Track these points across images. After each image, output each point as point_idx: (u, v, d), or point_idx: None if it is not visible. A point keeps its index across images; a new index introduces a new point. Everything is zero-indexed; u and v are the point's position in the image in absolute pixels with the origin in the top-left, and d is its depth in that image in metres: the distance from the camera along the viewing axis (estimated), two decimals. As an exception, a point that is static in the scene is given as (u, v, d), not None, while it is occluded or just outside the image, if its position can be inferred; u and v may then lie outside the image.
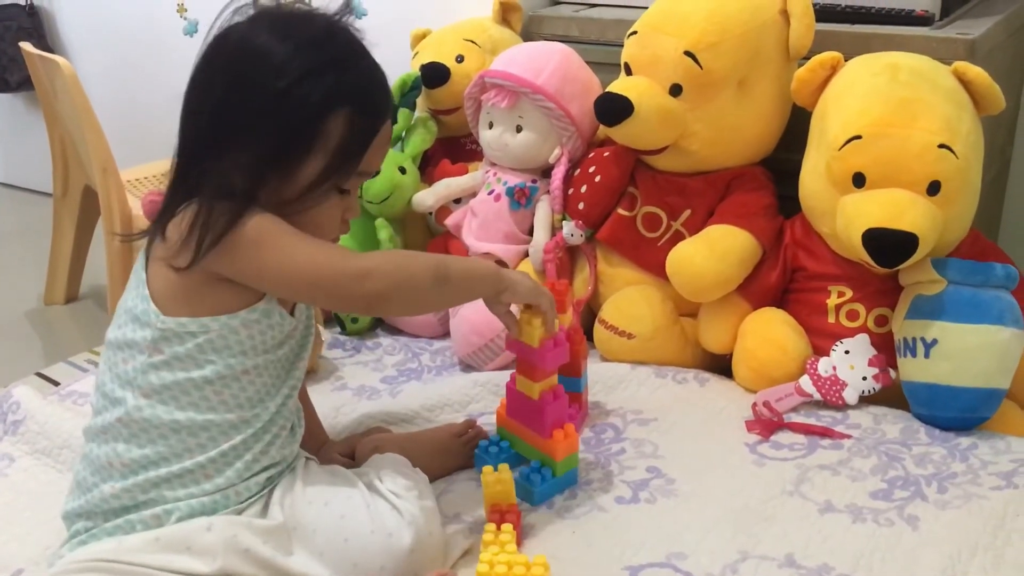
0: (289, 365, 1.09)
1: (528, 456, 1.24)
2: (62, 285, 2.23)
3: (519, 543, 1.11)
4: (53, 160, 2.12)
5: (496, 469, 1.16)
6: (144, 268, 1.03)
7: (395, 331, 1.66)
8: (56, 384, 1.53)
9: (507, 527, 1.08)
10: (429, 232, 1.77)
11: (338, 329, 1.66)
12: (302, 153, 1.00)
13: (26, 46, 1.91)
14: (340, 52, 1.02)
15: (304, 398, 1.19)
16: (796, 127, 1.53)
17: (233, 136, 0.99)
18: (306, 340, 1.12)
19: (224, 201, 0.98)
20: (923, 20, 1.57)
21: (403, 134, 1.72)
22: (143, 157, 2.10)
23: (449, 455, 1.26)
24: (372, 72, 1.04)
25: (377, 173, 1.16)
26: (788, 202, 1.52)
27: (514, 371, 1.24)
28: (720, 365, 1.51)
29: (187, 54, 1.06)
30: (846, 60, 1.43)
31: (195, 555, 0.98)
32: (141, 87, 2.48)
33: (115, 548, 0.98)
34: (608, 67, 1.62)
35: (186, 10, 2.23)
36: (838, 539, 1.11)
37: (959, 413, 1.29)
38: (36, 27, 2.60)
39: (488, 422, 1.32)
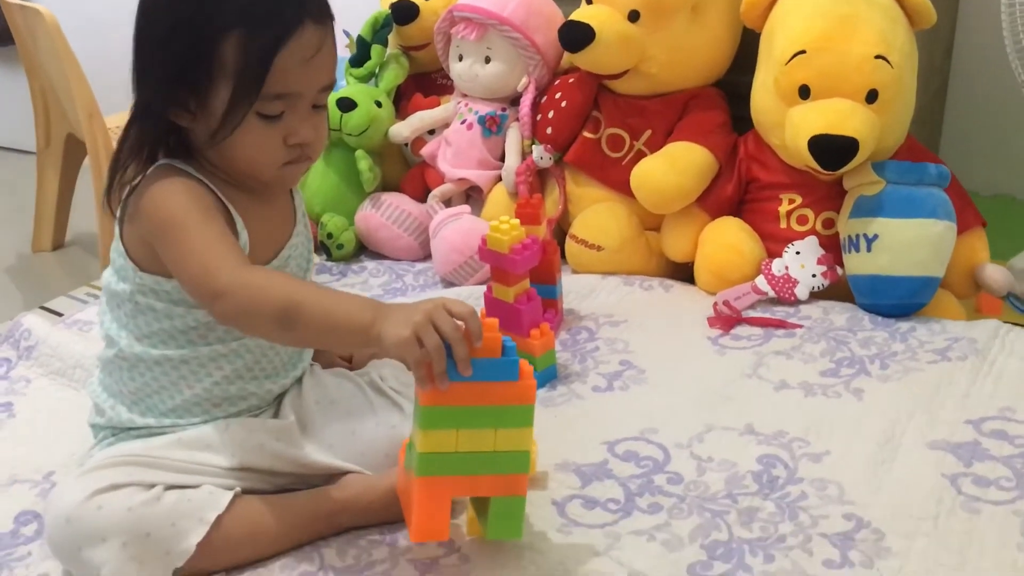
0: None
1: (510, 357, 1.35)
2: (49, 233, 2.30)
3: (507, 427, 1.23)
4: (35, 111, 2.18)
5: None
6: (119, 221, 1.05)
7: (379, 256, 1.76)
8: (60, 315, 1.61)
9: (495, 413, 1.19)
10: (406, 163, 1.87)
11: (324, 256, 1.76)
12: (206, 81, 0.96)
13: (5, -2, 1.97)
14: None
15: None
16: (745, 51, 1.64)
17: (149, 67, 0.99)
18: (302, 274, 1.13)
19: (141, 131, 1.00)
20: (861, -56, 1.68)
21: (376, 70, 1.81)
22: (116, 109, 2.16)
23: (438, 359, 1.36)
24: None
25: (327, 94, 1.01)
26: (740, 122, 1.63)
27: (490, 281, 1.35)
28: (682, 274, 1.63)
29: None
30: (790, -17, 1.54)
31: (215, 451, 1.05)
32: (115, 41, 2.51)
33: (142, 447, 1.05)
34: (567, 2, 1.71)
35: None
36: (792, 410, 1.24)
37: (899, 300, 1.43)
38: (4, -16, 2.63)
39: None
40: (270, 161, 1.02)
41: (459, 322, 0.89)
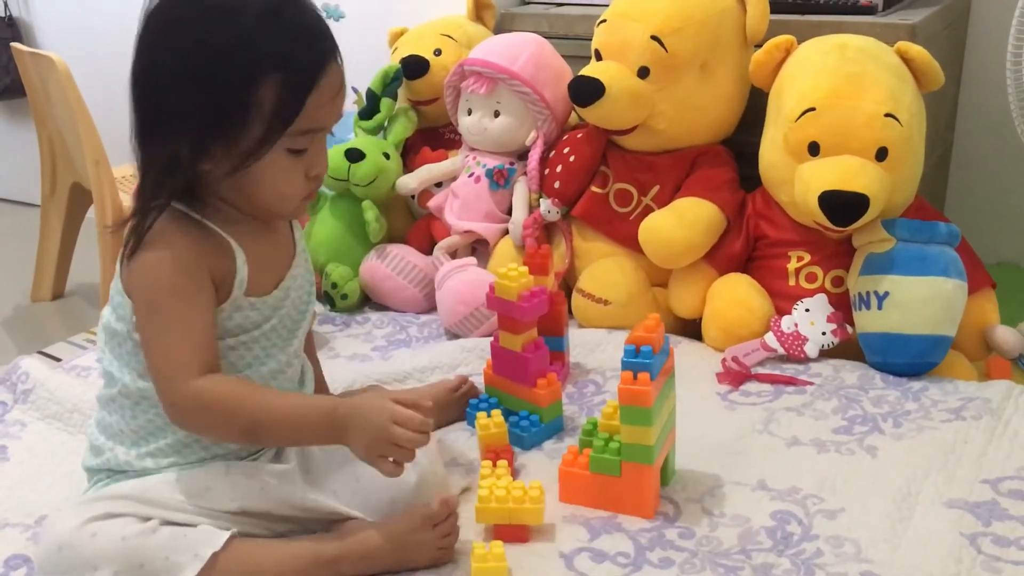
0: (286, 332, 1.10)
1: (516, 408, 1.33)
2: (49, 282, 2.28)
3: (513, 478, 1.20)
4: (42, 159, 2.18)
5: (489, 416, 1.25)
6: (120, 260, 1.05)
7: (383, 307, 1.75)
8: (58, 360, 1.58)
9: (502, 463, 1.16)
10: (412, 215, 1.87)
11: (328, 306, 1.74)
12: (240, 123, 0.98)
13: (17, 46, 1.98)
14: (257, 17, 0.97)
15: (310, 352, 1.24)
16: (752, 111, 1.65)
17: (172, 117, 0.98)
18: (304, 305, 1.13)
19: (167, 182, 0.99)
20: (867, 9, 1.71)
21: (385, 123, 1.82)
22: (122, 161, 2.17)
23: (444, 408, 1.34)
24: (295, 29, 0.99)
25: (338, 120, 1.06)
26: (747, 181, 1.64)
27: (497, 330, 1.34)
28: (689, 332, 1.61)
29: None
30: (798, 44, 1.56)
31: (214, 493, 1.03)
32: (119, 94, 2.55)
33: (139, 486, 1.03)
34: (577, 59, 1.73)
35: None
36: (805, 467, 1.21)
37: (911, 359, 1.41)
38: (16, 37, 2.66)
39: (477, 383, 1.40)
40: (294, 194, 1.04)
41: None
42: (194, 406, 0.99)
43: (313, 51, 0.99)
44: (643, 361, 1.09)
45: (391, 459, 0.98)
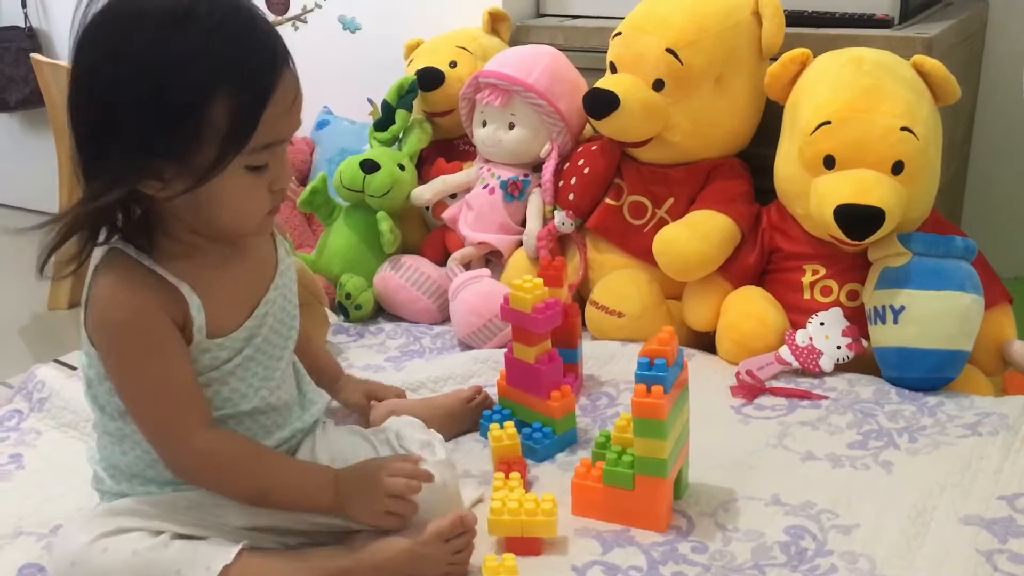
0: (266, 359, 1.06)
1: (529, 420, 1.33)
2: (66, 291, 2.29)
3: (526, 490, 1.19)
4: (60, 169, 2.20)
5: (502, 427, 1.25)
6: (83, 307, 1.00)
7: (396, 318, 1.75)
8: (74, 369, 1.59)
9: (515, 475, 1.16)
10: (426, 226, 1.87)
11: (342, 317, 1.74)
12: (192, 143, 0.91)
13: (37, 56, 2.00)
14: (202, 32, 0.90)
15: (320, 354, 1.22)
16: (767, 125, 1.65)
17: (117, 141, 0.90)
18: (286, 328, 1.09)
19: (110, 211, 0.94)
20: (883, 23, 1.70)
21: (400, 134, 1.82)
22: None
23: (458, 419, 1.34)
24: (243, 42, 0.92)
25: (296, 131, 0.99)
26: (762, 194, 1.63)
27: (511, 341, 1.34)
28: (703, 345, 1.60)
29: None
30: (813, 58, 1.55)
31: (225, 509, 1.02)
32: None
33: (149, 501, 1.03)
34: (592, 72, 1.73)
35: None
36: (819, 481, 1.21)
37: (926, 373, 1.40)
38: (36, 48, 2.68)
39: (490, 394, 1.40)
40: (257, 210, 0.99)
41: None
42: (202, 464, 1.00)
43: (264, 62, 0.92)
44: (657, 374, 1.09)
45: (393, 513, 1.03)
